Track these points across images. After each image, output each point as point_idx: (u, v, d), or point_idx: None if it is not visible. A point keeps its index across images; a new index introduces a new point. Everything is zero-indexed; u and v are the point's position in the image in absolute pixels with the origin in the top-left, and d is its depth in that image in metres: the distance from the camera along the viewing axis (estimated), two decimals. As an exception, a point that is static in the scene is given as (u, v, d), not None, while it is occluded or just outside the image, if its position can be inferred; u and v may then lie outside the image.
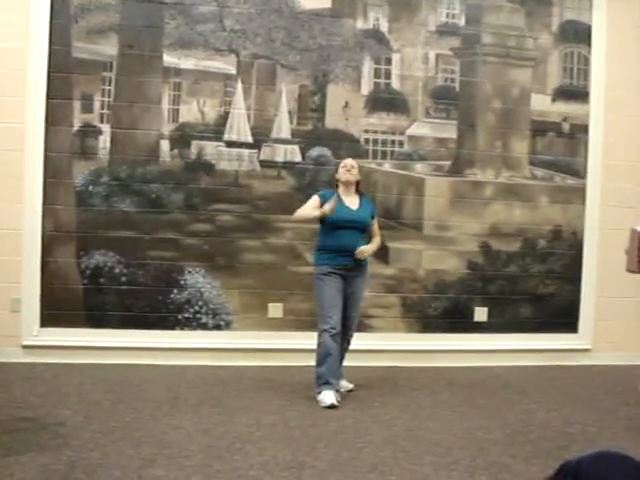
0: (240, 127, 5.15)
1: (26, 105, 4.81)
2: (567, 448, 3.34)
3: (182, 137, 5.09)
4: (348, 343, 4.34)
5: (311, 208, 4.20)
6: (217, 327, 5.12)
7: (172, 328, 5.05)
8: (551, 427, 3.78)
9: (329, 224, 4.16)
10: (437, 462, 3.14)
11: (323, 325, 4.11)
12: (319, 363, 4.10)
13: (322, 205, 4.14)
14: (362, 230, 4.23)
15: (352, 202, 4.24)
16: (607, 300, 5.53)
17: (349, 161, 4.32)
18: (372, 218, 4.33)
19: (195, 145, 5.10)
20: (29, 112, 4.81)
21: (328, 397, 4.00)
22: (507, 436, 3.58)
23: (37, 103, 4.82)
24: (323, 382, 4.07)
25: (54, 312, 4.90)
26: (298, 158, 5.22)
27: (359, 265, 4.22)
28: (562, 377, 5.07)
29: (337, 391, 4.12)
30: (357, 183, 4.31)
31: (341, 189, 4.27)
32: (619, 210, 5.38)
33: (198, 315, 5.09)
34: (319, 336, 4.12)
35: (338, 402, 4.01)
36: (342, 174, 4.26)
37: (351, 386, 4.41)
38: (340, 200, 4.17)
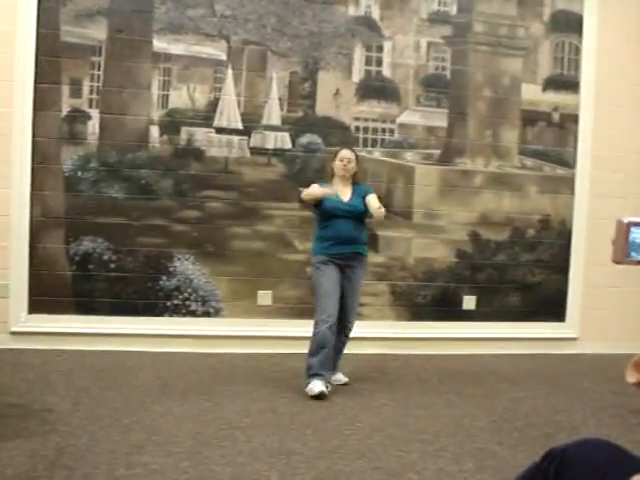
0: (230, 113, 5.13)
1: (14, 89, 4.75)
2: (553, 435, 3.38)
3: (172, 123, 5.05)
4: (346, 336, 4.22)
5: (317, 187, 4.05)
6: (206, 314, 5.11)
7: (161, 315, 5.04)
8: (538, 415, 3.81)
9: (321, 213, 4.09)
10: (424, 449, 3.16)
11: (320, 315, 4.00)
12: (311, 353, 4.00)
13: None
14: (357, 218, 4.10)
15: (345, 193, 4.11)
16: (594, 289, 5.57)
17: (347, 154, 4.18)
18: (366, 197, 4.13)
19: (185, 131, 5.07)
20: (17, 96, 4.76)
21: (317, 386, 3.90)
22: (494, 423, 3.61)
23: (25, 87, 4.76)
24: (313, 373, 3.97)
25: (42, 298, 4.87)
26: (288, 145, 5.20)
27: (356, 255, 4.13)
28: (549, 365, 5.11)
29: (328, 383, 4.02)
30: (354, 174, 4.19)
31: (337, 179, 4.18)
32: (608, 200, 5.40)
33: (187, 302, 5.08)
34: (315, 326, 4.01)
35: (327, 391, 3.93)
36: (338, 168, 4.15)
37: (345, 379, 4.30)
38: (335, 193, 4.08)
